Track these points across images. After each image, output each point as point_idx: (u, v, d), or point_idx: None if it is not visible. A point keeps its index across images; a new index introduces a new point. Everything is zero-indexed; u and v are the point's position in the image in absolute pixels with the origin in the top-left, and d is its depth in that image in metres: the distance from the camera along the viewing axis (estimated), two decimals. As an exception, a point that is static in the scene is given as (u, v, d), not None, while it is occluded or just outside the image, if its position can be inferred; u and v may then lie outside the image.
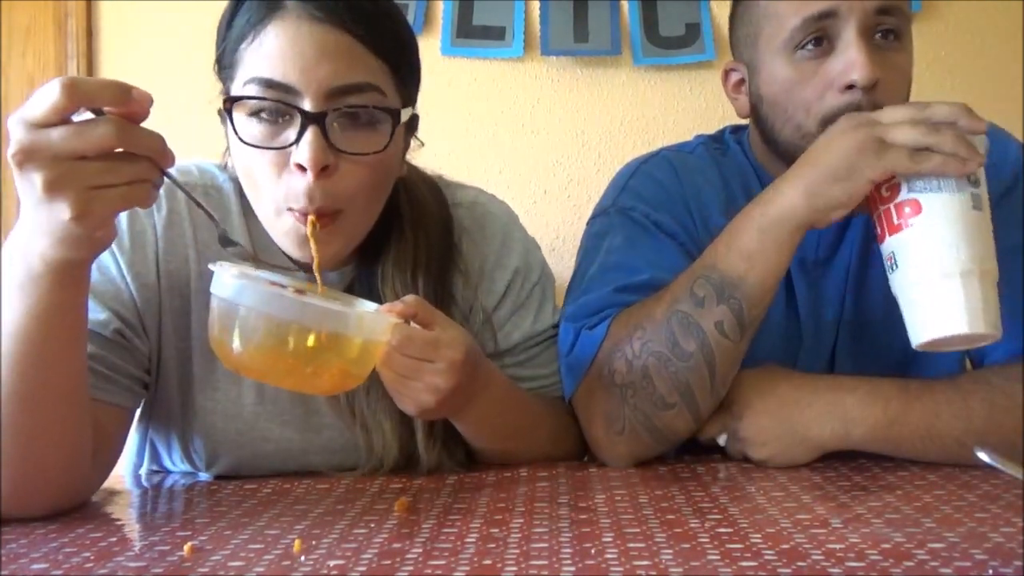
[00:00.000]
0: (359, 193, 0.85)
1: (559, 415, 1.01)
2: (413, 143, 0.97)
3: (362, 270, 0.97)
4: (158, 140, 0.68)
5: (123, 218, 0.91)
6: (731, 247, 0.90)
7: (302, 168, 0.81)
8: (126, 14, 2.02)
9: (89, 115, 0.66)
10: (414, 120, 0.96)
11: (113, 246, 0.89)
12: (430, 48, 1.94)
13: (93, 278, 0.78)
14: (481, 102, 2.01)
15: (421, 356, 0.80)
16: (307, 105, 0.81)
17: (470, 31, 1.97)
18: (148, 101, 0.67)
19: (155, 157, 0.68)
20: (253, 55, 0.83)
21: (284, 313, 0.72)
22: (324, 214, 0.83)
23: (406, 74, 0.89)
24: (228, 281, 0.73)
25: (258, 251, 0.93)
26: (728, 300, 0.89)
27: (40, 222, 0.67)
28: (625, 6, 1.97)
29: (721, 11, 1.98)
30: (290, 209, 0.84)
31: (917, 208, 0.83)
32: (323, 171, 0.81)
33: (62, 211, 0.65)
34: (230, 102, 0.84)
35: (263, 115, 0.83)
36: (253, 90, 0.82)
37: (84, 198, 0.65)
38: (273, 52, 0.82)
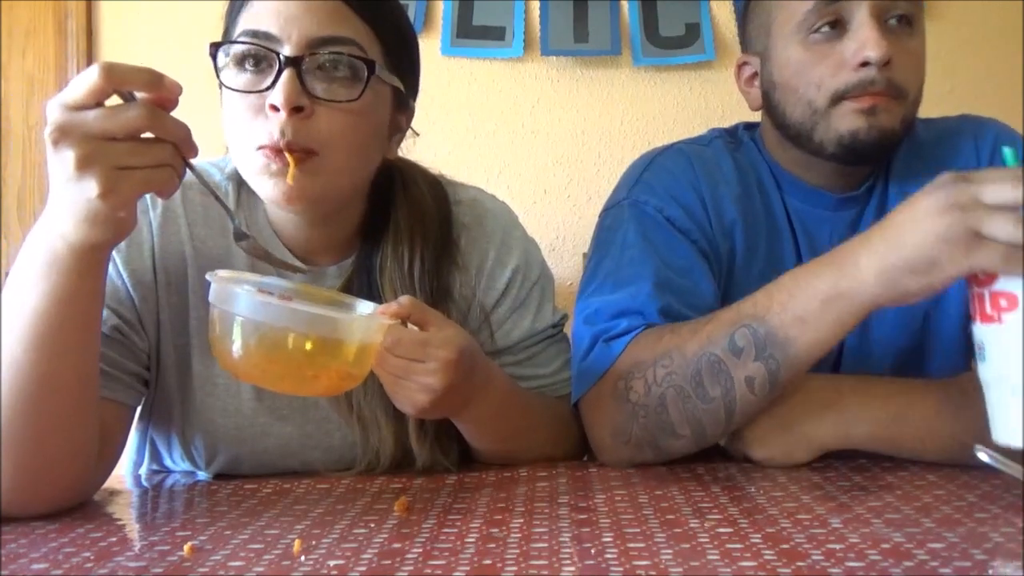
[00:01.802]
0: (333, 138, 0.86)
1: (560, 415, 1.01)
2: (408, 133, 0.99)
3: (360, 262, 0.97)
4: (184, 129, 0.72)
5: None
6: (787, 306, 0.84)
7: (276, 109, 0.83)
8: (126, 14, 2.03)
9: None
10: (406, 102, 0.96)
11: None
12: (430, 48, 1.94)
13: None
14: (481, 102, 2.01)
15: (411, 356, 0.81)
16: (286, 51, 0.84)
17: (470, 31, 1.98)
18: (178, 90, 0.71)
19: (180, 145, 0.72)
20: (244, 16, 0.87)
21: (277, 320, 0.73)
22: (294, 150, 0.84)
23: (395, 47, 0.92)
24: (223, 290, 0.75)
25: None
26: (767, 358, 0.85)
27: (67, 201, 0.70)
28: (625, 6, 1.97)
29: (721, 11, 1.98)
30: (262, 147, 0.85)
31: (1014, 303, 0.73)
32: (297, 111, 0.83)
33: (90, 188, 0.68)
34: (215, 47, 0.87)
35: (247, 65, 0.86)
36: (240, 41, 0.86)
37: (111, 176, 0.69)
38: (261, 10, 0.86)
